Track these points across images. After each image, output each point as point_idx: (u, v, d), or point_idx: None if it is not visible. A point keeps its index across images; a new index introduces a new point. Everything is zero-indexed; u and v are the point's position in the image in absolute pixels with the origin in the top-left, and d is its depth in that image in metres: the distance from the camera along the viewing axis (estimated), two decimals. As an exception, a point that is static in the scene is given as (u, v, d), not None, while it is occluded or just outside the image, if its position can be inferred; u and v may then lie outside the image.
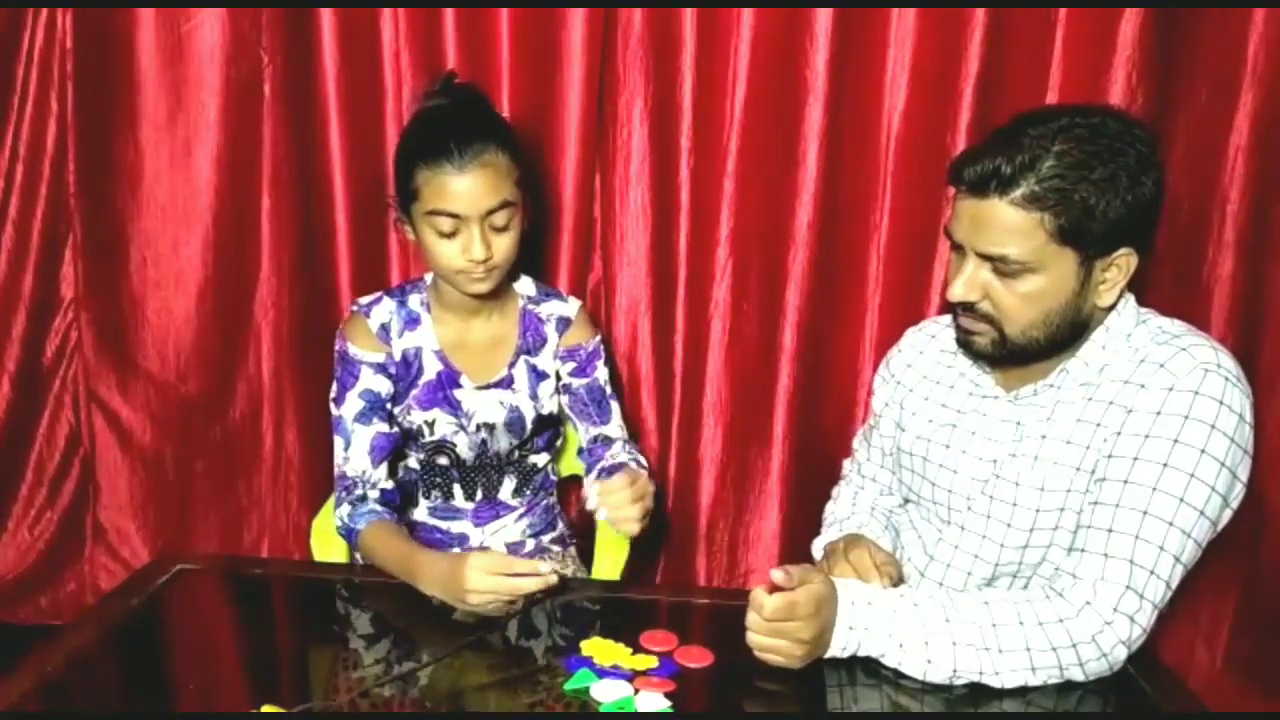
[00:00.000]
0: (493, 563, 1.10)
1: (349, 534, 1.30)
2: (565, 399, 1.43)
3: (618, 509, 1.13)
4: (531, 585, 1.10)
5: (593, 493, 1.15)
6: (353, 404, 1.33)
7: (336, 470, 1.34)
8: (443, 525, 1.44)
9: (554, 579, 1.10)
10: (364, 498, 1.31)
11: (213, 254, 1.69)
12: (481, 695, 0.98)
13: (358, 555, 1.33)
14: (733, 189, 1.57)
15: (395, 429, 1.36)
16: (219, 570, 1.27)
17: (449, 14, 1.54)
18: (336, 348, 1.36)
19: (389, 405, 1.35)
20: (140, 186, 1.68)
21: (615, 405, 1.44)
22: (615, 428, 1.43)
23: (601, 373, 1.43)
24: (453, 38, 1.55)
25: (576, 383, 1.41)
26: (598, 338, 1.44)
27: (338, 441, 1.34)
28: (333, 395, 1.35)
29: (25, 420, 1.80)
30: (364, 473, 1.32)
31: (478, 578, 1.08)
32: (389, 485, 1.34)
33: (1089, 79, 1.46)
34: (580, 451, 1.45)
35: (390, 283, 1.66)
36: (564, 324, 1.41)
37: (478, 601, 1.09)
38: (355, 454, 1.32)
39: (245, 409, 1.76)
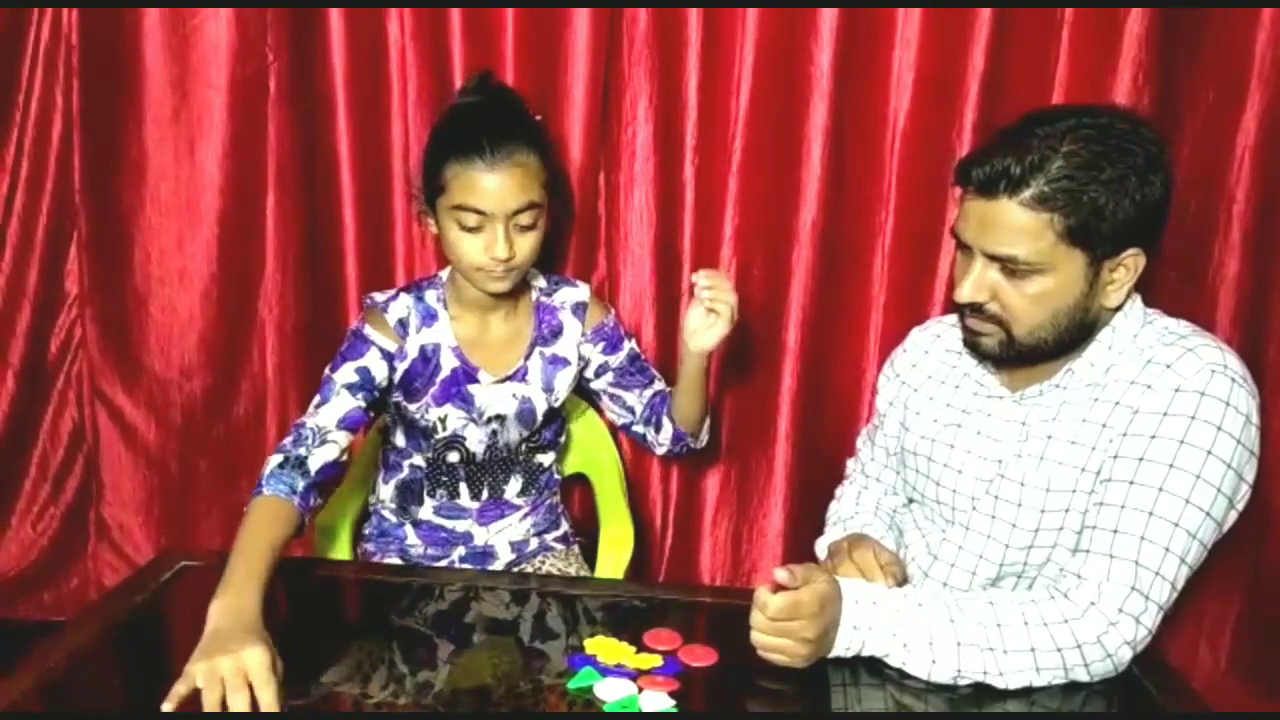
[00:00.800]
0: (252, 667, 0.91)
1: (257, 488, 1.16)
2: (608, 378, 1.46)
3: (719, 286, 1.27)
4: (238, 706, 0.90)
5: (701, 275, 1.28)
6: (346, 373, 1.30)
7: (299, 419, 1.26)
8: (448, 524, 1.44)
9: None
10: (301, 461, 1.19)
11: (217, 251, 1.69)
12: (484, 694, 0.98)
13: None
14: (737, 187, 1.57)
15: (370, 417, 1.32)
16: (222, 567, 1.26)
17: (455, 12, 1.54)
18: (352, 327, 1.37)
19: (377, 394, 1.32)
20: (145, 183, 1.68)
21: (649, 365, 1.51)
22: (660, 381, 1.50)
23: (630, 341, 1.48)
24: (459, 36, 1.55)
25: (614, 359, 1.45)
26: (612, 312, 1.50)
27: (316, 398, 1.28)
28: (330, 364, 1.32)
29: (29, 416, 1.80)
30: (322, 428, 1.23)
31: (225, 662, 0.91)
32: (334, 457, 1.23)
33: (1095, 79, 1.45)
34: (631, 424, 1.50)
35: (396, 280, 1.66)
36: (581, 309, 1.43)
37: (195, 670, 0.91)
38: (326, 412, 1.26)
39: (249, 406, 1.76)
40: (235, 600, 1.00)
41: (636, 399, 1.48)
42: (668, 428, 1.45)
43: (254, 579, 1.04)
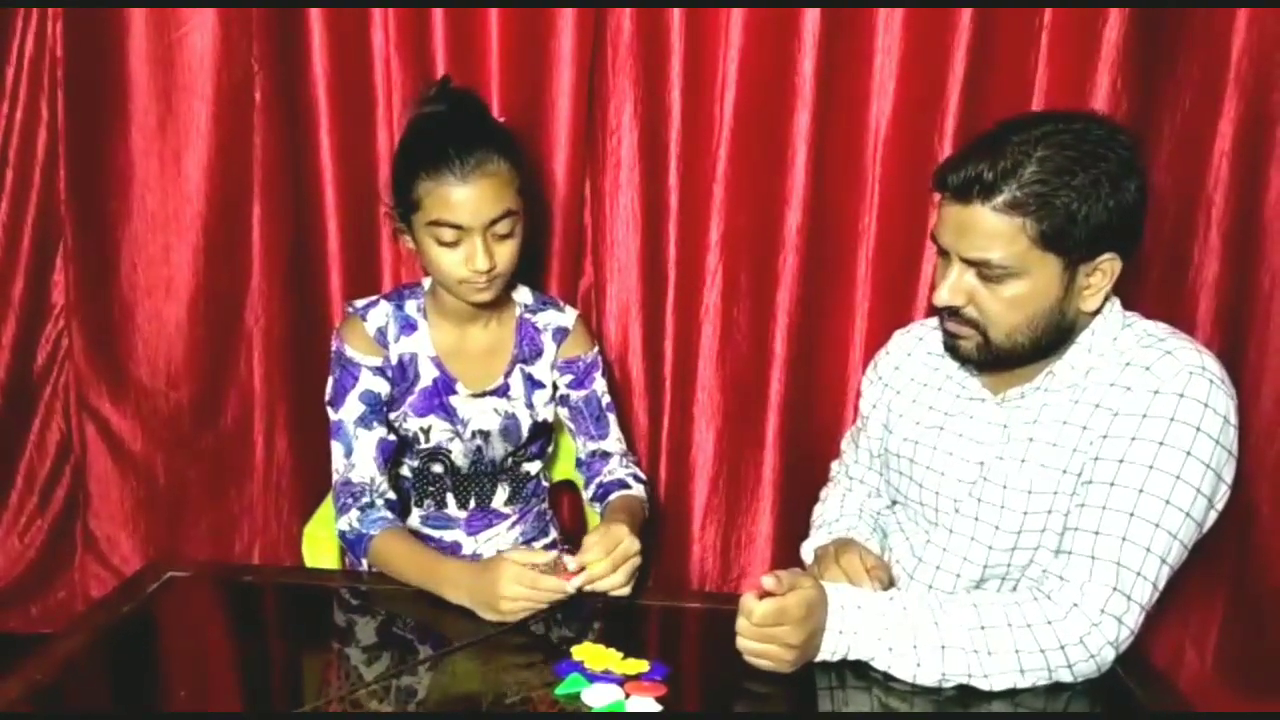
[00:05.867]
0: (522, 574, 1.10)
1: (358, 540, 1.27)
2: (564, 411, 1.43)
3: (602, 582, 1.13)
4: (558, 596, 1.11)
5: (577, 579, 1.13)
6: (353, 407, 1.31)
7: (338, 477, 1.31)
8: (435, 534, 1.44)
9: (577, 584, 1.12)
10: (372, 504, 1.29)
11: (203, 261, 1.69)
12: (473, 701, 0.98)
13: (362, 562, 1.30)
14: (722, 194, 1.58)
15: (393, 435, 1.35)
16: (210, 577, 1.27)
17: (439, 22, 1.55)
18: (333, 348, 1.36)
19: (386, 409, 1.35)
20: (131, 193, 1.68)
21: (613, 418, 1.44)
22: (613, 442, 1.44)
23: (600, 384, 1.43)
24: (443, 45, 1.55)
25: (575, 395, 1.42)
26: (595, 349, 1.44)
27: (337, 448, 1.32)
28: (328, 398, 1.34)
29: (16, 427, 1.80)
30: (372, 480, 1.30)
31: (510, 587, 1.10)
32: (392, 495, 1.33)
33: (1074, 85, 1.47)
34: (578, 464, 1.46)
35: (382, 289, 1.66)
36: (561, 334, 1.41)
37: (509, 609, 1.10)
38: (361, 460, 1.30)
39: (236, 416, 1.76)
40: (452, 575, 1.17)
41: (580, 445, 1.44)
42: (592, 490, 1.42)
43: (439, 559, 1.23)
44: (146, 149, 1.66)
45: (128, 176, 1.67)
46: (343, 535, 1.30)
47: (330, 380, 1.35)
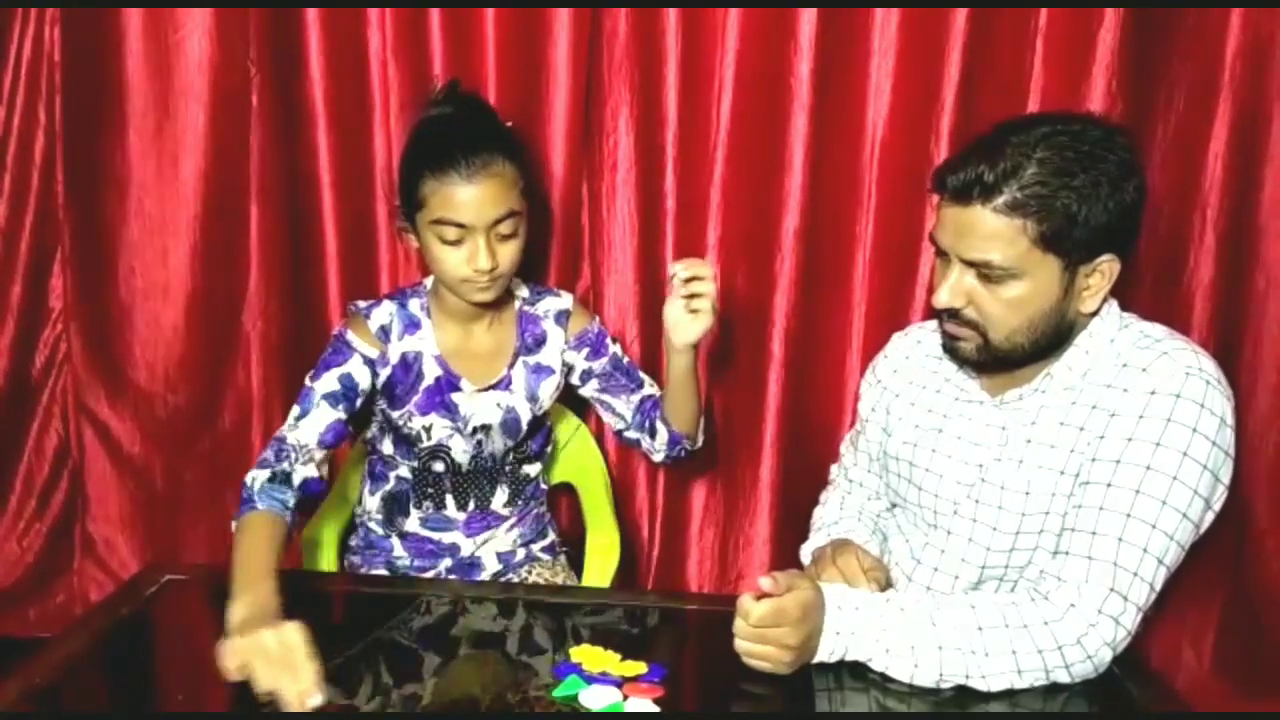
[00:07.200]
0: (278, 645, 0.94)
1: (246, 502, 1.17)
2: (593, 384, 1.45)
3: (699, 278, 1.25)
4: (288, 693, 0.92)
5: (680, 266, 1.27)
6: (328, 382, 1.30)
7: (280, 432, 1.26)
8: (434, 536, 1.45)
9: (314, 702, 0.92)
10: (287, 477, 1.20)
11: (201, 264, 1.69)
12: (472, 703, 0.98)
13: (233, 525, 1.19)
14: (719, 197, 1.58)
15: (350, 431, 1.33)
16: (208, 580, 1.26)
17: (436, 25, 1.55)
18: (334, 332, 1.37)
19: (359, 403, 1.32)
20: (128, 197, 1.68)
21: (640, 372, 1.49)
22: (649, 386, 1.48)
23: (615, 347, 1.47)
24: (440, 48, 1.56)
25: (598, 364, 1.44)
26: (597, 319, 1.48)
27: (295, 409, 1.28)
28: (311, 371, 1.33)
29: (14, 432, 1.79)
30: (304, 446, 1.24)
31: (250, 644, 0.95)
32: (316, 474, 1.24)
33: (1069, 87, 1.47)
34: (628, 428, 1.46)
35: (380, 291, 1.66)
36: (563, 316, 1.43)
37: (229, 661, 0.95)
38: (306, 426, 1.26)
39: (234, 419, 1.76)
40: (254, 597, 1.02)
41: (625, 405, 1.46)
42: (662, 432, 1.43)
43: (267, 577, 1.06)
44: (144, 152, 1.66)
45: (125, 180, 1.67)
46: (243, 484, 1.21)
47: (321, 359, 1.34)
